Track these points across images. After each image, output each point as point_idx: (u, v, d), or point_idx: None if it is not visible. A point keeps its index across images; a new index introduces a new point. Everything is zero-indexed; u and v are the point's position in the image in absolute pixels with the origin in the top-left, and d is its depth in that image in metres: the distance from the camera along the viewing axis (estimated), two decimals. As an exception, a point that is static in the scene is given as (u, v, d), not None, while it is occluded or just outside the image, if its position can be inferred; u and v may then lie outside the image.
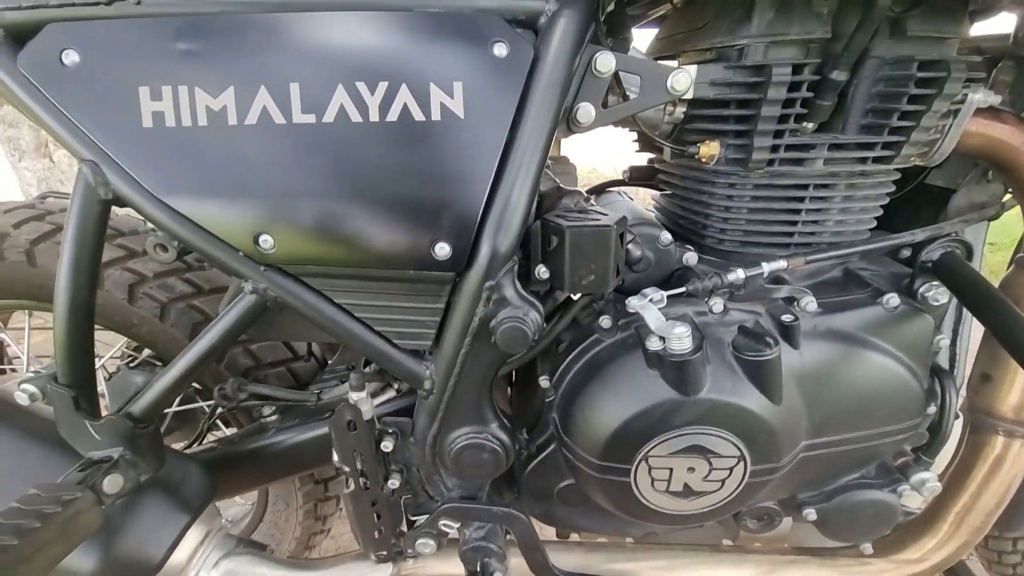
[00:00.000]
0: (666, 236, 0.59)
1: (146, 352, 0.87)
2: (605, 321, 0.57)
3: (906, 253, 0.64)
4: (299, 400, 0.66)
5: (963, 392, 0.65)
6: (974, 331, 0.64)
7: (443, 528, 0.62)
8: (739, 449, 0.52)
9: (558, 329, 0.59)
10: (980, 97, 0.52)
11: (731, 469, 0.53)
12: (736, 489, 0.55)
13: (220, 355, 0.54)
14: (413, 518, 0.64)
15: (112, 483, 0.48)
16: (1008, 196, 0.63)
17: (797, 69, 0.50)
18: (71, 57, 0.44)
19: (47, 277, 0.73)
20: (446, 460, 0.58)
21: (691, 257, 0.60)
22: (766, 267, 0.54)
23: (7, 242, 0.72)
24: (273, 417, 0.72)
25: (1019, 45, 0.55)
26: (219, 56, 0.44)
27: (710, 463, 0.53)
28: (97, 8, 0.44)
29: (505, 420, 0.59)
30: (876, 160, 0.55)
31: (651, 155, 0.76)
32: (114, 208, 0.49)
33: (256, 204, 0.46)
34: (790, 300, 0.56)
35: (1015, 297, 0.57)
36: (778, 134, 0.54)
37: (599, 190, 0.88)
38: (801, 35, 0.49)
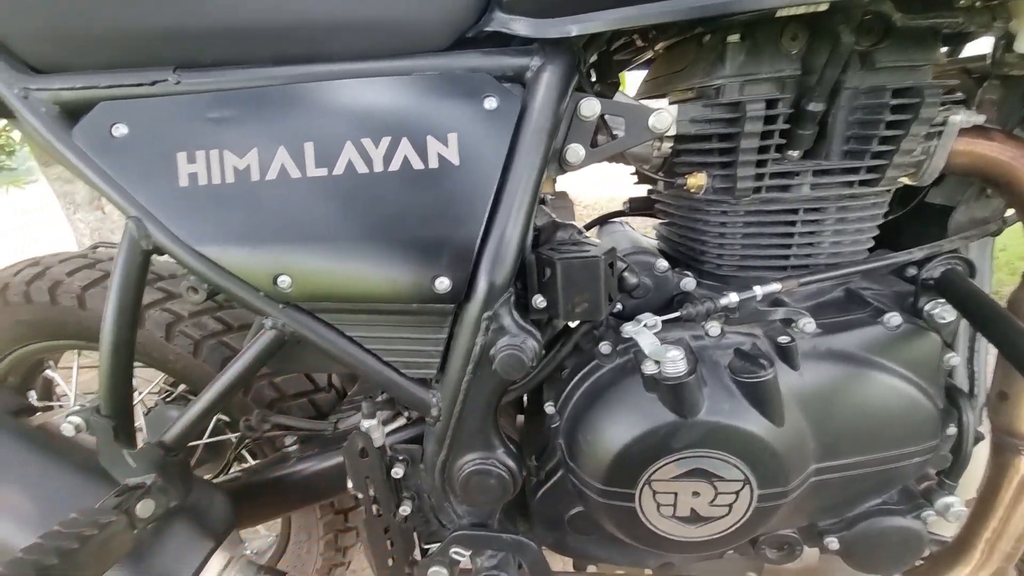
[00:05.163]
0: (662, 263, 0.61)
1: (181, 388, 0.94)
2: (605, 347, 0.59)
3: (912, 272, 0.63)
4: (317, 429, 0.70)
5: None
6: (992, 348, 0.63)
7: (454, 556, 0.63)
8: (743, 472, 0.52)
9: (560, 356, 0.61)
10: (961, 118, 0.53)
11: (737, 493, 0.53)
12: (745, 514, 0.54)
13: (244, 387, 0.58)
14: (425, 547, 0.65)
15: (144, 508, 0.52)
16: (1010, 211, 0.62)
17: (771, 104, 0.52)
18: (120, 130, 0.51)
19: (95, 319, 0.80)
20: (455, 486, 0.60)
21: (689, 282, 0.61)
22: (759, 290, 0.55)
23: (61, 288, 0.80)
24: (294, 447, 0.75)
25: (997, 66, 0.56)
26: (244, 123, 0.51)
27: (715, 487, 0.53)
28: (142, 88, 0.52)
29: (512, 447, 0.60)
30: (863, 183, 0.56)
31: (649, 186, 0.79)
32: (154, 255, 0.55)
33: (275, 249, 0.51)
34: (787, 322, 0.56)
35: (1024, 312, 0.56)
36: (761, 163, 0.56)
37: (602, 221, 0.91)
38: (772, 73, 0.52)
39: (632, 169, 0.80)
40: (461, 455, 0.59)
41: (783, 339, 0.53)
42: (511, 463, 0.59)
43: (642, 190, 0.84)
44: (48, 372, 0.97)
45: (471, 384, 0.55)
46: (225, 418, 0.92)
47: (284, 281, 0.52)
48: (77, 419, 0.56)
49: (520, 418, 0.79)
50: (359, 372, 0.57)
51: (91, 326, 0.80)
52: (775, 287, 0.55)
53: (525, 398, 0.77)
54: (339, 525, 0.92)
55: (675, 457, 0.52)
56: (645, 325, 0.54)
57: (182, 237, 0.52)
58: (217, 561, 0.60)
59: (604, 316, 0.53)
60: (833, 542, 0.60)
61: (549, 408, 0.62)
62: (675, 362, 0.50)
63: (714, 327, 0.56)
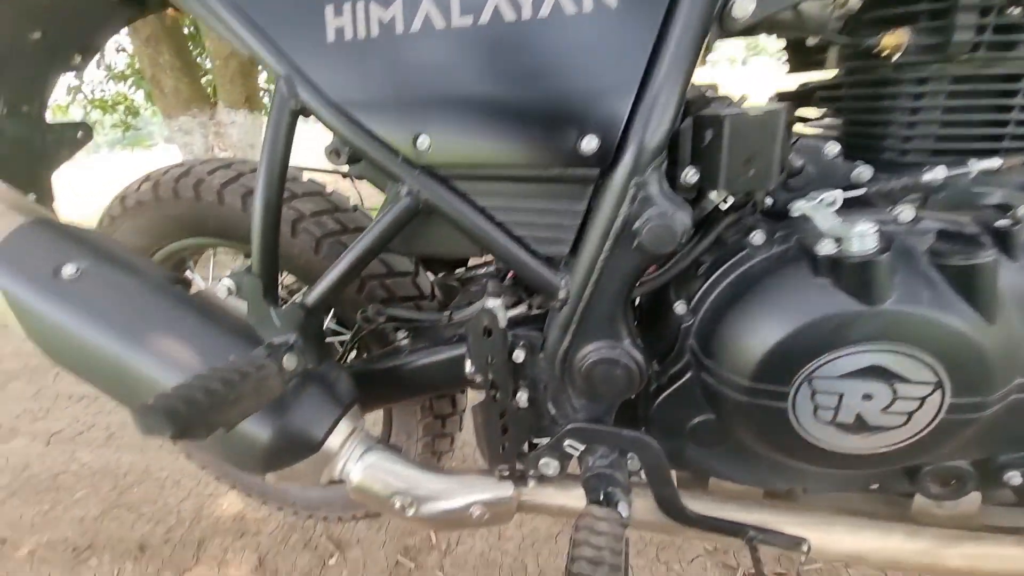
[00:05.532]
0: (832, 147, 0.53)
1: (293, 298, 1.00)
2: (757, 237, 0.52)
3: None
4: (433, 320, 0.70)
5: None
6: None
7: (567, 450, 0.61)
8: (936, 374, 0.44)
9: (698, 250, 0.56)
10: None
11: (923, 400, 0.45)
12: (928, 426, 0.46)
13: (377, 254, 0.59)
14: (535, 441, 0.64)
15: (289, 361, 0.55)
16: None
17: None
18: (274, -16, 0.51)
19: (232, 214, 0.86)
20: (576, 377, 0.57)
21: (864, 171, 0.52)
22: (975, 165, 0.45)
23: (203, 185, 0.86)
24: (405, 341, 0.77)
25: None
26: (391, -30, 0.49)
27: (894, 390, 0.45)
28: (294, -59, 0.51)
29: (639, 339, 0.56)
30: None
31: (802, 76, 0.69)
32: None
33: (416, 106, 0.50)
34: (1004, 208, 0.46)
35: None
36: (984, 12, 0.45)
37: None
38: None
39: (783, 57, 0.70)
40: (586, 342, 0.56)
41: (1003, 223, 0.44)
42: (638, 356, 0.55)
43: (791, 84, 0.73)
44: (188, 273, 1.07)
45: (607, 262, 0.51)
46: (334, 327, 0.97)
47: (423, 142, 0.51)
48: (230, 282, 0.60)
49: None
50: (486, 246, 0.55)
51: (228, 220, 0.87)
52: (995, 162, 0.45)
53: (637, 308, 0.73)
54: (437, 430, 0.95)
55: (847, 351, 0.45)
56: (822, 201, 0.47)
57: (328, 95, 0.52)
58: (343, 428, 0.63)
59: (774, 184, 0.46)
60: (1015, 476, 0.51)
61: (679, 307, 0.57)
62: (864, 237, 0.42)
63: (906, 211, 0.47)
